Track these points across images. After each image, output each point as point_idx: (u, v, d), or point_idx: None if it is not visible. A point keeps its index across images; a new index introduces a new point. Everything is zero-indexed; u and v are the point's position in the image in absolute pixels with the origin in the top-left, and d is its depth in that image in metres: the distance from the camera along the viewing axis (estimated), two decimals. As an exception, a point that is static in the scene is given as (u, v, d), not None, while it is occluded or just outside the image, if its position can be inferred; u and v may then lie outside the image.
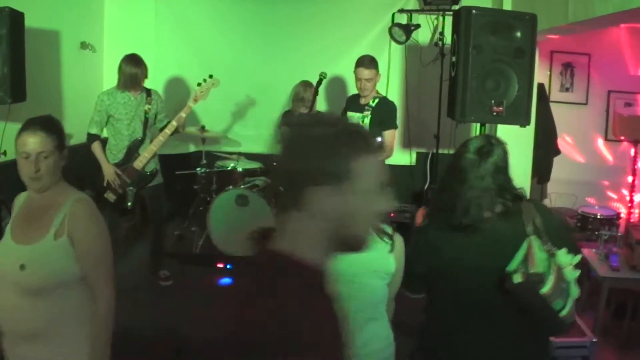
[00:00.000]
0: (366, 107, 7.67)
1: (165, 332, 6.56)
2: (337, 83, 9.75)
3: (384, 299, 3.70)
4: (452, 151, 8.61)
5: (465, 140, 3.65)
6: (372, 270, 3.56)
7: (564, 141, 9.87)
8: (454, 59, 6.38)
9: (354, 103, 7.89)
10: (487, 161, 3.47)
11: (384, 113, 7.64)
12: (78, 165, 8.89)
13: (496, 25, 6.11)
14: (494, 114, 6.08)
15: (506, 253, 3.37)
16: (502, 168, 3.51)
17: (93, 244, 3.93)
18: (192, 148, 10.52)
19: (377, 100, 7.69)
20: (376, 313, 3.69)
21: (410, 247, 3.73)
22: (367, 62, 7.55)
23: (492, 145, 3.53)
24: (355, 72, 7.61)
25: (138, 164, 7.59)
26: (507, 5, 8.58)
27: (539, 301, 3.25)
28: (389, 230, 3.66)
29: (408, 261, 3.68)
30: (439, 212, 3.62)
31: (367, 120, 7.61)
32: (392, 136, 7.65)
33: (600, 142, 10.19)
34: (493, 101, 6.06)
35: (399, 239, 3.73)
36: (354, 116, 7.74)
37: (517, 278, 3.25)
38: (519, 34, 6.13)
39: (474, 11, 6.09)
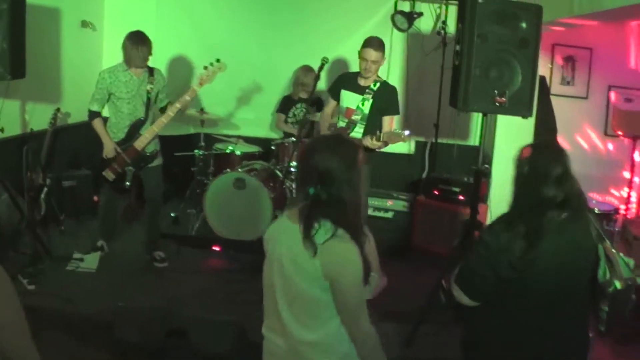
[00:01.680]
0: (367, 90, 7.55)
1: (159, 313, 6.54)
2: (338, 68, 9.69)
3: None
4: (451, 141, 8.63)
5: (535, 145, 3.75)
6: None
7: (563, 134, 9.84)
8: (458, 47, 6.34)
9: (352, 83, 7.72)
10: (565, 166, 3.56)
11: (386, 98, 7.56)
12: (76, 144, 8.92)
13: (502, 15, 6.08)
14: (497, 104, 6.05)
15: (579, 256, 3.55)
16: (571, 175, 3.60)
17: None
18: (191, 130, 10.49)
19: (378, 85, 7.57)
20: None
21: (479, 250, 3.68)
22: (375, 43, 7.42)
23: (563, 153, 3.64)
24: (361, 51, 7.47)
25: (139, 144, 7.54)
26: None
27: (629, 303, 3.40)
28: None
29: (475, 266, 3.65)
30: (510, 217, 3.61)
31: (367, 104, 7.51)
32: (392, 121, 7.59)
33: (600, 137, 10.17)
34: (496, 91, 6.03)
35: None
36: (351, 96, 7.64)
37: (618, 285, 3.40)
38: (524, 25, 6.09)
39: (480, 0, 6.06)
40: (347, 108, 7.65)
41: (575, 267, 3.51)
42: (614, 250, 3.60)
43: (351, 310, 3.39)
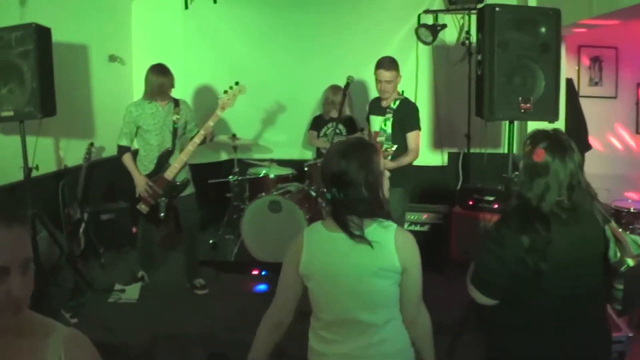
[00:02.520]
0: (387, 110, 7.58)
1: (201, 339, 6.60)
2: (366, 86, 9.76)
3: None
4: (483, 150, 8.64)
5: (532, 137, 3.66)
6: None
7: (595, 135, 9.81)
8: (479, 57, 6.38)
9: (376, 106, 7.81)
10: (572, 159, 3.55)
11: (405, 115, 7.54)
12: (111, 177, 9.03)
13: (520, 22, 6.11)
14: (522, 110, 6.07)
15: (591, 245, 3.57)
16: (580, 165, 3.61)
17: None
18: (224, 156, 10.59)
19: (397, 102, 7.60)
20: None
21: (487, 246, 3.67)
22: (387, 63, 7.45)
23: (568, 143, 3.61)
24: (375, 74, 7.51)
25: (169, 174, 7.62)
26: (532, 2, 8.58)
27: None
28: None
29: (486, 262, 3.65)
30: (519, 212, 3.62)
31: (389, 123, 7.53)
32: (415, 137, 7.52)
33: (631, 135, 10.13)
34: (520, 98, 6.05)
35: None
36: (376, 119, 7.71)
37: (630, 262, 3.45)
38: (543, 30, 6.12)
39: (497, 9, 6.09)
40: (374, 132, 7.71)
41: (588, 258, 3.53)
42: (620, 230, 3.61)
43: (418, 297, 3.55)
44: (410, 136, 7.48)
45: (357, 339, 3.46)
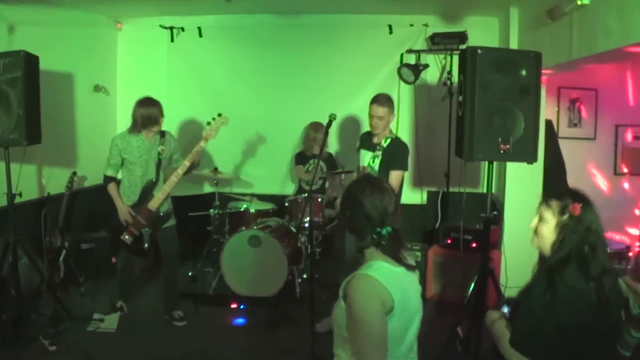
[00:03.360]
0: (378, 147, 7.71)
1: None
2: (348, 123, 9.87)
3: None
4: (462, 189, 8.72)
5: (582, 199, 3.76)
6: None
7: (574, 176, 9.89)
8: (460, 98, 6.45)
9: (367, 141, 7.92)
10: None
11: (393, 154, 7.66)
12: (93, 207, 9.06)
13: (502, 64, 6.15)
14: (501, 151, 6.12)
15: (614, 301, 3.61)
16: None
17: None
18: (205, 189, 10.63)
19: (388, 141, 7.72)
20: None
21: (535, 307, 3.61)
22: (381, 99, 7.60)
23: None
24: (369, 108, 7.65)
25: (152, 205, 7.66)
26: (514, 43, 8.69)
27: None
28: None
29: (539, 317, 3.56)
30: (574, 264, 3.62)
31: (377, 161, 7.66)
32: (398, 176, 7.61)
33: (609, 177, 10.22)
34: (500, 139, 6.11)
35: None
36: (366, 154, 7.82)
37: None
38: (524, 72, 6.17)
39: (479, 51, 6.14)
40: (363, 166, 7.82)
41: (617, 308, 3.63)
42: (630, 282, 3.71)
43: None
44: (393, 174, 7.57)
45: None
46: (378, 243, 3.51)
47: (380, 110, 7.55)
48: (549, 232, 3.71)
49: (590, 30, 6.18)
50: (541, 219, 3.76)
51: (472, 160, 6.35)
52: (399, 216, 3.67)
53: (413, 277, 3.61)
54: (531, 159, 6.30)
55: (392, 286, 3.42)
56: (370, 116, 7.64)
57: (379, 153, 7.68)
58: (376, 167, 7.65)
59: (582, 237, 3.58)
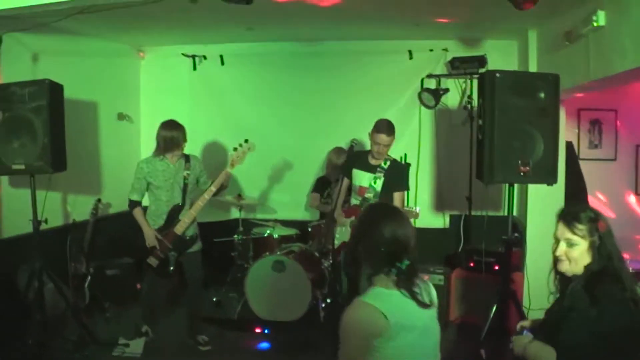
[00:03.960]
0: (378, 169, 7.82)
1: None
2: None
3: None
4: (484, 212, 8.73)
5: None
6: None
7: (595, 198, 9.90)
8: (480, 121, 6.49)
9: (363, 162, 7.99)
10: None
11: (395, 175, 7.83)
12: (118, 233, 9.13)
13: (520, 87, 6.21)
14: (521, 174, 6.16)
15: None
16: None
17: None
18: (229, 215, 10.67)
19: (388, 163, 7.85)
20: None
21: (593, 316, 3.59)
22: (387, 128, 7.68)
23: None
24: (373, 136, 7.72)
25: (178, 228, 7.73)
26: (533, 66, 8.71)
27: None
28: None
29: (587, 331, 3.58)
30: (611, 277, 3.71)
31: (379, 182, 7.78)
32: (401, 197, 7.85)
33: (632, 197, 10.21)
34: (520, 161, 6.15)
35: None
36: (364, 175, 7.91)
37: None
38: (542, 95, 6.22)
39: (497, 75, 6.20)
40: (360, 186, 7.91)
41: None
42: None
43: None
44: (397, 195, 7.80)
45: None
46: (395, 278, 3.55)
47: (387, 139, 7.67)
48: (582, 255, 3.79)
49: (606, 51, 6.22)
50: (570, 244, 3.81)
51: (492, 182, 6.39)
52: (416, 248, 3.67)
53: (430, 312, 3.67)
54: (551, 180, 6.34)
55: (388, 309, 3.49)
56: (377, 144, 7.70)
57: (380, 175, 7.79)
58: (378, 188, 7.78)
59: (611, 251, 3.70)
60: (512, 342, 4.11)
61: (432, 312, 3.66)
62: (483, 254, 8.55)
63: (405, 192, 7.98)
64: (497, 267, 8.50)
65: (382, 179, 7.77)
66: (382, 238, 3.58)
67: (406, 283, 3.56)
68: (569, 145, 9.38)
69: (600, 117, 10.18)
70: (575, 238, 3.77)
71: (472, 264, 8.82)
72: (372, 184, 7.76)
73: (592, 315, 3.53)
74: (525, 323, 4.44)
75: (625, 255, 8.95)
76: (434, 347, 3.70)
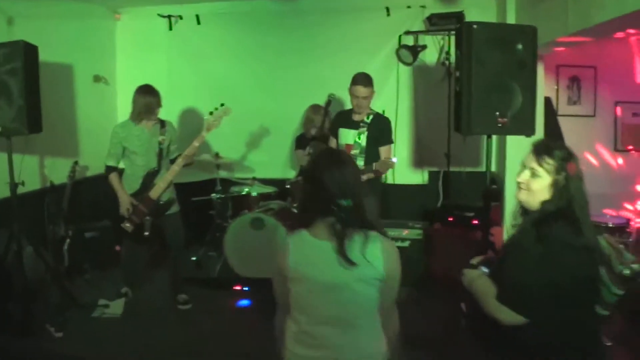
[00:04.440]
0: (361, 124, 7.77)
1: (185, 352, 6.68)
2: (347, 105, 9.87)
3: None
4: (463, 169, 8.74)
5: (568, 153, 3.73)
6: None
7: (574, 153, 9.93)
8: (458, 74, 6.48)
9: (347, 120, 7.97)
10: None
11: (379, 129, 7.77)
12: (96, 196, 9.09)
13: (498, 39, 6.20)
14: (499, 125, 6.16)
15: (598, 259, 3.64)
16: None
17: None
18: (206, 176, 10.61)
19: (371, 117, 7.80)
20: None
21: (538, 255, 3.53)
22: (363, 80, 7.65)
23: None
24: (351, 89, 7.70)
25: (154, 193, 7.71)
26: (511, 21, 8.69)
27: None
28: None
29: (530, 270, 3.52)
30: (565, 220, 3.60)
31: (363, 137, 7.72)
32: (388, 151, 7.79)
33: (610, 153, 10.25)
34: (498, 113, 6.14)
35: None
36: (348, 133, 7.86)
37: (637, 267, 3.72)
38: (520, 47, 6.21)
39: (475, 26, 6.19)
40: (346, 144, 7.85)
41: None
42: (612, 240, 3.73)
43: (393, 303, 3.68)
44: (384, 149, 7.72)
45: (334, 342, 3.54)
46: (339, 216, 3.49)
47: (364, 91, 7.62)
48: (542, 188, 3.68)
49: (585, 3, 6.19)
50: (533, 175, 3.72)
51: (470, 134, 6.40)
52: (362, 190, 3.64)
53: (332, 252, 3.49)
54: (529, 132, 6.35)
55: (298, 253, 3.58)
56: (355, 97, 7.69)
57: (364, 129, 7.74)
58: (363, 143, 7.72)
59: (574, 195, 3.59)
60: (462, 275, 4.06)
61: (359, 273, 3.48)
62: (462, 209, 8.58)
63: (392, 146, 7.92)
64: (476, 222, 8.52)
65: (366, 133, 7.73)
66: (318, 181, 3.58)
67: (340, 232, 3.48)
68: (548, 100, 9.41)
69: (579, 74, 10.21)
70: (540, 170, 3.68)
71: (450, 219, 8.85)
72: (357, 139, 7.72)
73: (536, 255, 3.49)
74: (479, 258, 4.32)
75: (610, 212, 9.10)
76: (353, 308, 3.56)
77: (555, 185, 3.64)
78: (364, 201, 3.60)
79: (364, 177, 7.11)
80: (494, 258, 4.19)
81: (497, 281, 3.70)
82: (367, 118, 7.77)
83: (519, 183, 3.82)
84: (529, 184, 3.73)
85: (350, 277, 3.45)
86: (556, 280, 3.42)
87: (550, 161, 3.65)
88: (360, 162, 7.64)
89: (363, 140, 7.71)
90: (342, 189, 3.49)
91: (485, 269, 4.00)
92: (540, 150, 3.74)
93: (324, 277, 3.50)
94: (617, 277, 3.60)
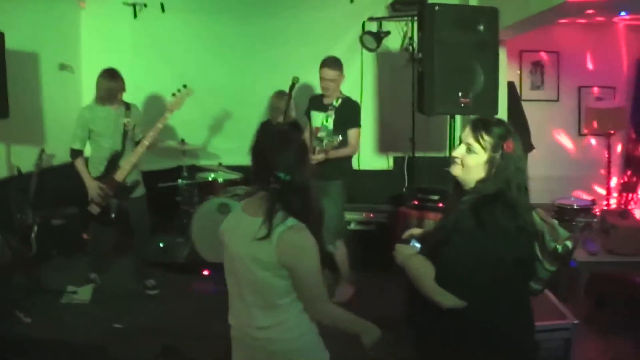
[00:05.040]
0: (330, 107, 7.80)
1: (154, 334, 6.71)
2: (311, 90, 9.90)
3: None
4: (428, 154, 8.80)
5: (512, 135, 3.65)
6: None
7: (538, 138, 10.02)
8: (420, 55, 6.54)
9: (318, 103, 8.03)
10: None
11: (347, 113, 7.78)
12: (62, 184, 9.08)
13: (459, 21, 6.28)
14: (462, 105, 6.22)
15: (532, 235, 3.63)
16: None
17: None
18: (173, 163, 10.62)
19: (340, 101, 7.82)
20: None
21: (472, 242, 3.49)
22: (331, 62, 7.73)
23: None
24: (319, 72, 7.77)
25: (119, 175, 7.74)
26: (474, 2, 8.76)
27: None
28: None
29: (469, 254, 3.47)
30: (498, 202, 3.53)
31: (330, 120, 7.75)
32: (356, 134, 7.81)
33: (574, 138, 10.37)
34: (460, 93, 6.21)
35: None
36: (318, 115, 7.92)
37: (569, 244, 3.58)
38: (481, 28, 6.30)
39: (437, 7, 6.27)
40: (315, 127, 7.89)
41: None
42: (544, 215, 3.73)
43: (310, 295, 3.56)
44: (351, 132, 7.73)
45: (242, 318, 3.68)
46: (272, 189, 3.45)
47: (331, 73, 7.67)
48: (477, 166, 3.60)
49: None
50: (469, 150, 3.63)
51: (433, 114, 6.47)
52: (307, 174, 3.59)
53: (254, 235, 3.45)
54: (492, 112, 6.44)
55: (226, 226, 3.76)
56: (322, 79, 7.76)
57: (332, 112, 7.76)
58: (330, 126, 7.73)
59: (512, 175, 3.54)
60: (394, 250, 3.93)
61: (255, 252, 3.46)
62: (427, 192, 8.65)
63: (359, 129, 7.91)
64: (441, 205, 8.58)
65: (333, 116, 7.76)
66: (262, 154, 3.60)
67: (266, 209, 3.45)
68: (511, 85, 9.49)
69: (542, 59, 10.31)
70: (476, 146, 3.59)
71: (416, 202, 8.90)
72: (324, 122, 7.75)
73: (476, 240, 3.45)
74: (416, 231, 4.20)
75: (580, 193, 9.19)
76: (244, 283, 3.59)
77: (490, 162, 3.57)
78: (309, 185, 3.58)
79: (318, 158, 7.21)
80: (428, 234, 4.08)
81: (435, 263, 3.63)
82: (336, 102, 7.80)
83: (454, 157, 3.72)
84: (464, 159, 3.64)
85: (249, 253, 3.48)
86: (496, 263, 3.41)
87: (487, 138, 3.58)
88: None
89: (330, 124, 7.74)
90: (282, 164, 3.47)
91: (417, 244, 3.91)
92: (478, 126, 3.67)
93: (235, 244, 3.58)
94: (550, 254, 3.60)
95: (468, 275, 3.44)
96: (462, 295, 3.45)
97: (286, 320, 3.57)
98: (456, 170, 3.71)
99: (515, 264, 3.49)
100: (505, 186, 3.53)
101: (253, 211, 3.55)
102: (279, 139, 3.64)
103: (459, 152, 3.67)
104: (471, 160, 3.61)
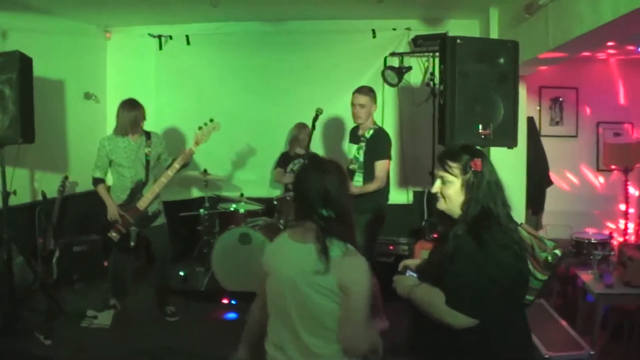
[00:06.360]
0: (362, 139, 7.87)
1: (172, 358, 6.76)
2: (333, 124, 9.99)
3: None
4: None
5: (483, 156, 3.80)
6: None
7: (557, 173, 10.07)
8: (441, 87, 6.60)
9: (354, 135, 8.11)
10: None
11: (375, 144, 7.82)
12: (85, 211, 9.17)
13: (480, 53, 6.31)
14: (482, 137, 6.26)
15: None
16: None
17: None
18: (195, 193, 10.72)
19: (371, 132, 7.88)
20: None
21: (480, 264, 3.56)
22: (362, 89, 7.85)
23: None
24: (351, 98, 7.88)
25: (141, 204, 7.80)
26: (494, 35, 8.84)
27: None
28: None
29: (475, 274, 3.54)
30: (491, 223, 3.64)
31: (362, 152, 7.83)
32: (382, 166, 7.78)
33: (592, 173, 10.40)
34: (480, 125, 6.25)
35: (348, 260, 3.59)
36: (352, 147, 8.01)
37: (559, 252, 3.69)
38: (502, 60, 6.33)
39: (458, 40, 6.31)
40: (350, 159, 7.98)
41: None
42: (529, 228, 3.83)
43: (356, 318, 3.51)
44: (378, 164, 7.74)
45: (286, 344, 3.66)
46: (318, 223, 3.56)
47: (362, 99, 7.77)
48: (456, 193, 3.75)
49: (564, 19, 6.37)
50: (444, 182, 3.79)
51: (454, 145, 6.49)
52: (348, 200, 3.71)
53: (308, 259, 3.52)
54: (511, 143, 6.46)
55: (272, 253, 3.81)
56: (353, 105, 7.86)
57: (363, 144, 7.84)
58: (361, 158, 7.82)
59: (488, 191, 3.67)
60: (394, 282, 4.03)
61: (315, 279, 3.50)
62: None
63: (387, 161, 7.93)
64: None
65: (364, 148, 7.85)
66: (300, 186, 3.72)
67: (319, 237, 3.54)
68: (531, 120, 9.53)
69: (562, 95, 10.37)
70: (447, 176, 3.76)
71: (435, 235, 8.92)
72: (357, 154, 7.86)
73: (479, 260, 3.53)
74: (409, 262, 4.33)
75: (592, 230, 9.22)
76: (300, 310, 3.58)
77: (466, 185, 3.71)
78: (351, 212, 3.68)
79: (356, 191, 7.26)
80: (428, 264, 4.12)
81: (442, 287, 3.67)
82: (368, 133, 7.89)
83: (434, 194, 3.89)
84: (442, 191, 3.81)
85: (304, 279, 3.51)
86: (499, 280, 3.51)
87: (454, 164, 3.73)
88: (359, 178, 7.82)
89: (361, 155, 7.85)
90: (321, 196, 3.55)
91: (413, 274, 4.03)
92: (442, 158, 3.84)
93: (286, 270, 3.59)
94: (541, 264, 3.69)
95: (477, 294, 3.53)
96: (473, 314, 3.51)
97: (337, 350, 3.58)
98: (441, 205, 3.87)
99: (514, 277, 3.59)
100: (488, 201, 3.66)
101: (300, 237, 3.63)
102: (318, 170, 3.69)
103: (436, 187, 3.85)
104: (449, 190, 3.77)
